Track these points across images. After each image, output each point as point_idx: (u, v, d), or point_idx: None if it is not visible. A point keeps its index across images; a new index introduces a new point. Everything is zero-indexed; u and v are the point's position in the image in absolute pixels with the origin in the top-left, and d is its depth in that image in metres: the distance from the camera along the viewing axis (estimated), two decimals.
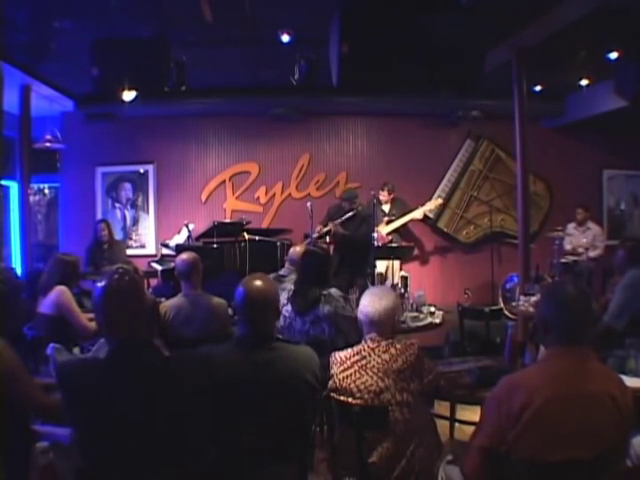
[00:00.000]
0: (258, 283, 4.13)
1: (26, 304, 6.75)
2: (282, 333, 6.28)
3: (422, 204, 12.92)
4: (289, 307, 6.44)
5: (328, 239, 11.69)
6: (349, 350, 4.75)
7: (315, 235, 11.39)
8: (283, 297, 6.46)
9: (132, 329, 3.60)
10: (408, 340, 4.77)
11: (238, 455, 3.86)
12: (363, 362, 4.60)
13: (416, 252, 12.56)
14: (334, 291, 6.37)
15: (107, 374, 3.44)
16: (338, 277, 9.34)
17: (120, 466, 3.36)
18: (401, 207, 12.75)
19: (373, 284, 10.55)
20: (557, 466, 3.20)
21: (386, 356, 4.57)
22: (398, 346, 4.63)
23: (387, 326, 4.78)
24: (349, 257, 11.35)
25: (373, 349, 4.64)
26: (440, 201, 13.53)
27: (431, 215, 13.67)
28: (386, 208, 12.71)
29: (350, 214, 11.38)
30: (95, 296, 3.68)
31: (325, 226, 11.64)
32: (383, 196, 12.65)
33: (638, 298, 7.19)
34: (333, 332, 6.14)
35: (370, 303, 4.82)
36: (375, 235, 11.73)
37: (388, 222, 12.46)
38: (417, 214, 12.76)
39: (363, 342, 4.76)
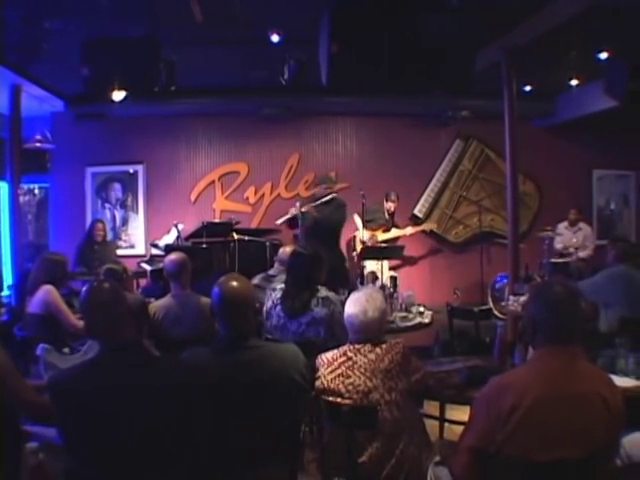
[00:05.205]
0: (234, 284, 4.11)
1: None
2: (273, 333, 6.27)
3: (413, 213, 13.17)
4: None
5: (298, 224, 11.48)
6: (335, 351, 4.75)
7: (282, 220, 11.30)
8: (274, 296, 6.45)
9: (116, 332, 3.65)
10: (394, 339, 4.77)
11: (227, 456, 3.85)
12: (350, 363, 4.59)
13: (405, 252, 12.55)
14: (332, 295, 6.33)
15: (96, 376, 3.48)
16: None
17: (110, 467, 3.39)
18: (393, 219, 12.95)
19: (362, 284, 10.55)
20: (547, 466, 3.20)
21: (372, 356, 4.57)
22: (384, 346, 4.62)
23: (375, 331, 4.78)
24: (318, 245, 11.10)
25: (358, 349, 4.63)
26: (434, 225, 13.69)
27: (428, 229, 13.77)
28: (387, 215, 12.89)
29: (327, 198, 11.16)
30: (80, 303, 3.78)
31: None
32: (390, 206, 12.87)
33: (616, 292, 7.37)
34: (328, 335, 6.10)
35: (360, 312, 4.76)
36: (369, 235, 11.80)
37: (385, 230, 12.54)
38: (407, 232, 12.91)
39: (348, 343, 4.76)
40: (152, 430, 3.44)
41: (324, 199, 11.11)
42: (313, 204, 11.04)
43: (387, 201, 12.81)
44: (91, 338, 4.25)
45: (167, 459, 3.48)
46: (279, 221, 11.41)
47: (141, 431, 3.42)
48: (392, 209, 12.87)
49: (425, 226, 13.60)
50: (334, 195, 11.28)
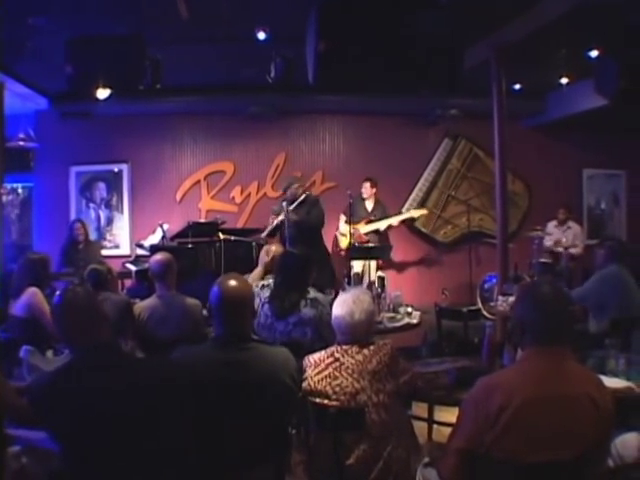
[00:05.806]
0: (233, 283, 4.12)
1: None
2: (260, 332, 6.22)
3: (400, 211, 13.12)
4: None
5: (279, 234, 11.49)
6: (322, 352, 4.74)
7: (266, 233, 11.33)
8: (262, 295, 6.40)
9: (88, 336, 3.65)
10: (381, 341, 4.73)
11: (214, 457, 3.82)
12: (337, 364, 4.58)
13: (393, 252, 12.49)
14: (321, 296, 6.31)
15: (73, 380, 3.46)
16: None
17: (98, 469, 3.38)
18: (382, 211, 12.76)
19: (350, 284, 10.49)
20: (536, 468, 3.18)
21: (360, 357, 4.55)
22: (371, 347, 4.62)
23: (363, 332, 4.75)
24: (304, 247, 11.07)
25: (346, 350, 4.62)
26: (425, 211, 13.54)
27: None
28: (369, 206, 12.74)
29: (300, 199, 11.25)
30: (52, 309, 3.79)
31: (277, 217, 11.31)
32: (365, 189, 12.66)
33: (610, 293, 7.47)
34: (315, 337, 6.08)
35: (347, 313, 4.73)
36: (352, 231, 11.71)
37: (368, 222, 12.42)
38: (395, 221, 12.76)
39: (336, 344, 4.74)
40: (136, 431, 3.41)
41: (299, 200, 11.12)
42: (290, 208, 10.97)
43: (365, 182, 12.72)
44: (65, 342, 4.19)
45: (154, 460, 3.44)
46: (263, 234, 11.44)
47: (125, 432, 3.38)
48: (366, 193, 12.71)
49: (414, 212, 13.43)
50: (306, 193, 11.31)
